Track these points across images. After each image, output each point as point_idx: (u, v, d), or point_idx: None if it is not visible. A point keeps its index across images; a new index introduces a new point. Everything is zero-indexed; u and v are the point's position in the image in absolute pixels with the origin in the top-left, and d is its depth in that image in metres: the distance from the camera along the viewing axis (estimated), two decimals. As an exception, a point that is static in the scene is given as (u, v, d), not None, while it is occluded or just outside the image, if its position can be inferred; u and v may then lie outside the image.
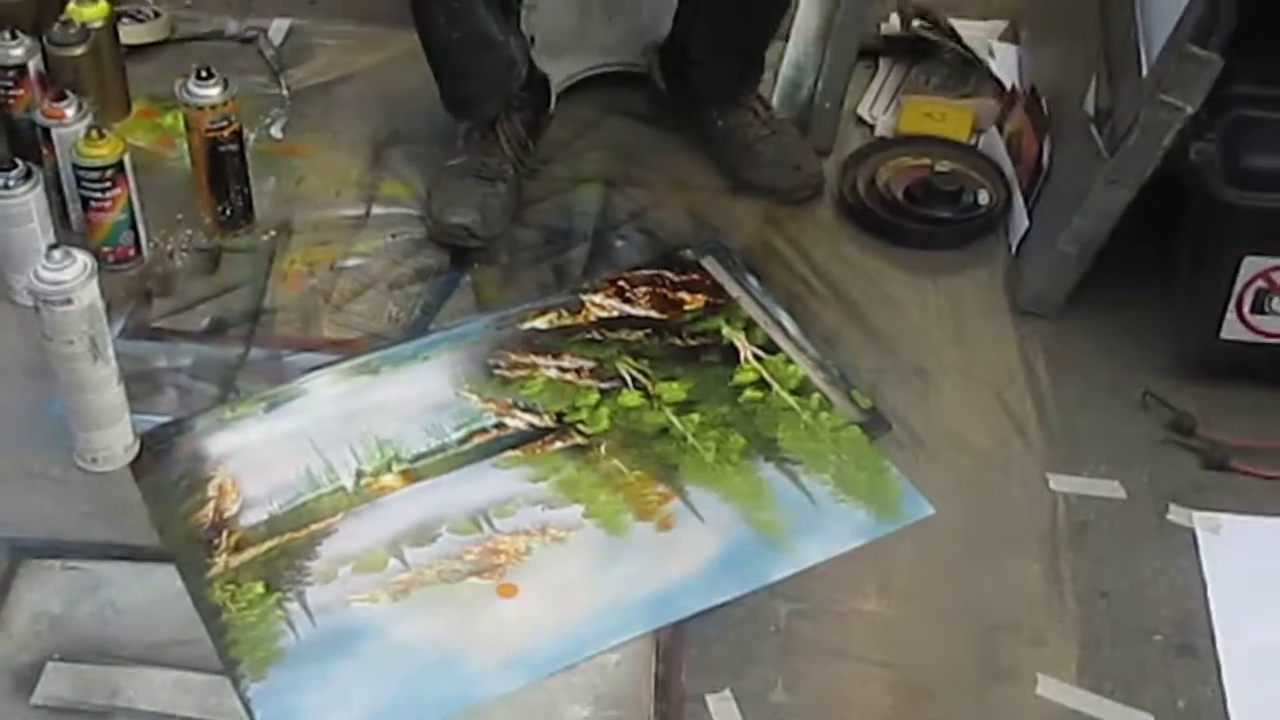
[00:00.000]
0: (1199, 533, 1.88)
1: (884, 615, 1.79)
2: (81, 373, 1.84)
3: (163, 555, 1.82)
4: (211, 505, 1.89)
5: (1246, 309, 2.01)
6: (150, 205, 2.23)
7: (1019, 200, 2.30)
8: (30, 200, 2.05)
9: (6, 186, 2.03)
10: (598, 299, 2.19)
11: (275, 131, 2.49)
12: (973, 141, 2.48)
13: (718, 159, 2.42)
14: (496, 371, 2.08)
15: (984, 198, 2.34)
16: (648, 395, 2.05)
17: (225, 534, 1.86)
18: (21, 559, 1.81)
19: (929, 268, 2.27)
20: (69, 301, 1.78)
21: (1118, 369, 2.11)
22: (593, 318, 2.17)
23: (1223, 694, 1.70)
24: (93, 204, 2.16)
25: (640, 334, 2.14)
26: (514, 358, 2.10)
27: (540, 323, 2.16)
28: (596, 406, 2.03)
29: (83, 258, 1.81)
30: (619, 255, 2.28)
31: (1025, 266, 2.22)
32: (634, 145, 2.48)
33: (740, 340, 2.13)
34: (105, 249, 2.18)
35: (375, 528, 1.88)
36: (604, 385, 2.06)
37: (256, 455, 1.96)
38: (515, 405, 2.03)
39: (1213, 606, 1.80)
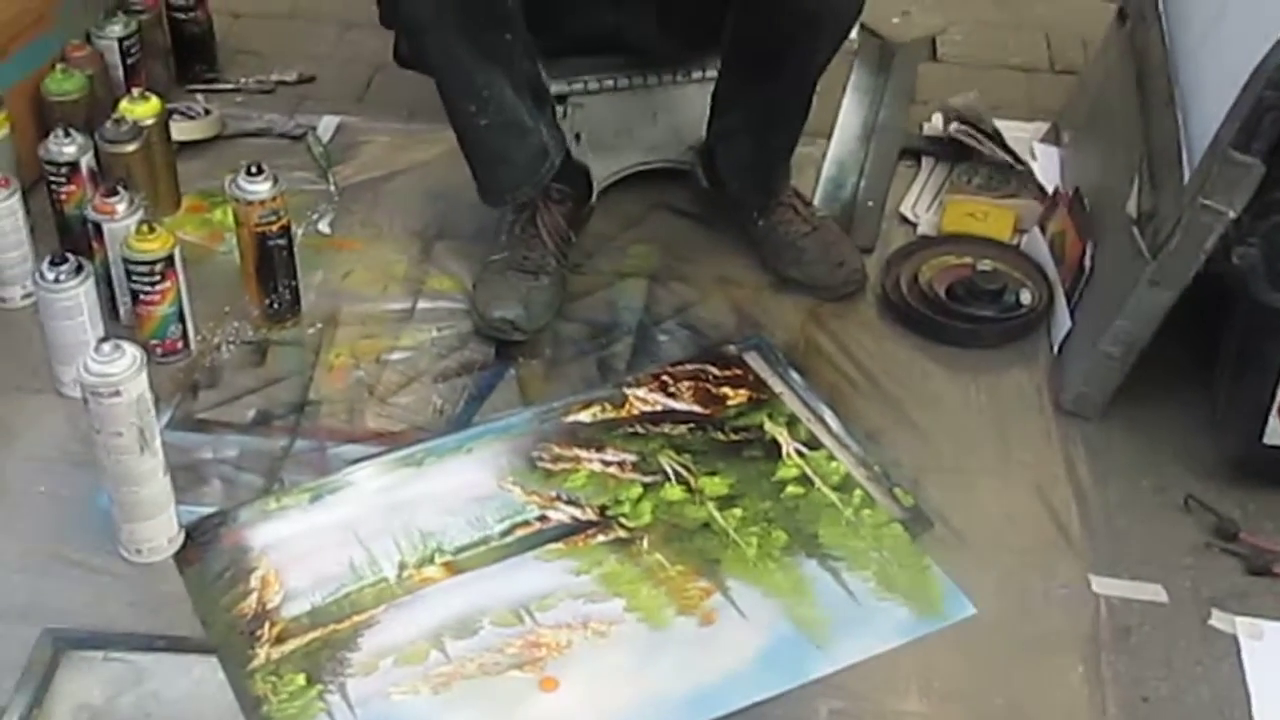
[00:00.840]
0: (1241, 639, 1.87)
1: (925, 715, 1.78)
2: (129, 464, 1.86)
3: (205, 647, 1.82)
4: (254, 597, 1.90)
5: (1291, 412, 2.01)
6: (198, 299, 2.26)
7: (1061, 300, 2.31)
8: (80, 294, 2.08)
9: (58, 280, 2.06)
10: (641, 393, 2.20)
11: (323, 227, 2.52)
12: (1015, 241, 2.49)
13: (760, 256, 2.44)
14: (540, 464, 2.09)
15: (1026, 297, 2.34)
16: (690, 490, 2.05)
17: (268, 625, 1.87)
18: (64, 650, 1.81)
19: (971, 366, 2.27)
20: (118, 394, 1.80)
21: (1160, 471, 2.10)
22: (635, 411, 2.18)
23: (1267, 804, 1.69)
24: (142, 297, 2.19)
25: (683, 428, 2.15)
26: (557, 450, 2.11)
27: (584, 416, 2.17)
28: (639, 500, 2.03)
29: (132, 350, 1.82)
30: (663, 350, 2.29)
31: (1067, 367, 2.22)
32: (678, 240, 2.50)
33: (783, 436, 2.13)
34: (153, 342, 2.20)
35: (417, 619, 1.88)
36: (646, 479, 2.07)
37: (299, 546, 1.97)
38: (558, 498, 2.04)
39: (1255, 714, 1.78)
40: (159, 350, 2.21)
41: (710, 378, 2.23)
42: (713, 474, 2.07)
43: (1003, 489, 2.07)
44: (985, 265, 2.38)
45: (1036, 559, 1.97)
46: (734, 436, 2.14)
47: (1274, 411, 2.00)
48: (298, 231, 2.37)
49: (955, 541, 1.99)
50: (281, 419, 2.16)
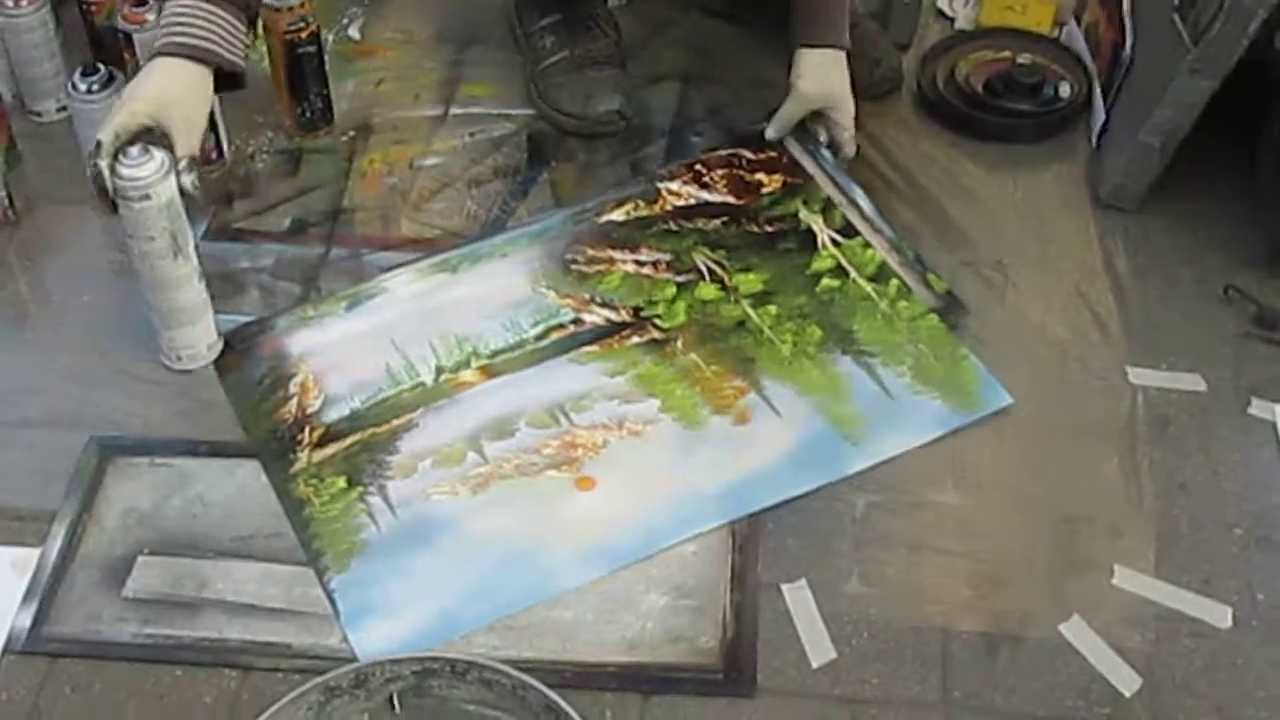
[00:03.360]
0: (1280, 426, 1.88)
1: (961, 507, 1.79)
2: (163, 270, 1.87)
3: (247, 451, 1.85)
4: (294, 402, 1.92)
5: (1332, 200, 1.99)
6: (231, 109, 2.24)
7: (1099, 92, 2.27)
8: (112, 103, 2.07)
9: (90, 91, 2.06)
10: (674, 186, 2.19)
11: (353, 33, 2.50)
12: (1055, 34, 2.44)
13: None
14: (574, 267, 2.09)
15: (1065, 90, 2.31)
16: (724, 287, 2.04)
17: (308, 429, 1.89)
18: (110, 456, 1.84)
19: (1009, 162, 2.25)
20: (148, 198, 1.80)
21: (1200, 262, 2.09)
22: (669, 207, 2.16)
23: (1303, 587, 1.70)
24: (174, 107, 2.17)
25: (717, 222, 2.13)
26: (591, 252, 2.10)
27: (617, 215, 2.16)
28: (673, 300, 2.03)
29: (160, 154, 1.81)
30: (697, 151, 2.27)
31: (1106, 159, 2.20)
32: (711, 42, 2.47)
33: (818, 224, 2.12)
34: (188, 152, 2.20)
35: (454, 422, 1.90)
36: (680, 278, 2.06)
37: (337, 353, 1.98)
38: (592, 300, 2.04)
39: (1293, 500, 1.79)
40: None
41: (744, 163, 2.22)
42: (747, 270, 2.06)
43: (1040, 283, 2.06)
44: (1024, 59, 2.34)
45: (1073, 352, 1.97)
46: (768, 228, 2.13)
47: (1316, 199, 1.99)
48: (328, 37, 2.35)
49: (992, 336, 1.98)
50: (317, 227, 2.16)
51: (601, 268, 2.08)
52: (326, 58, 2.28)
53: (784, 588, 1.69)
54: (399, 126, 2.31)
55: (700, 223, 2.14)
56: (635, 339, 1.99)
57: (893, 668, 1.63)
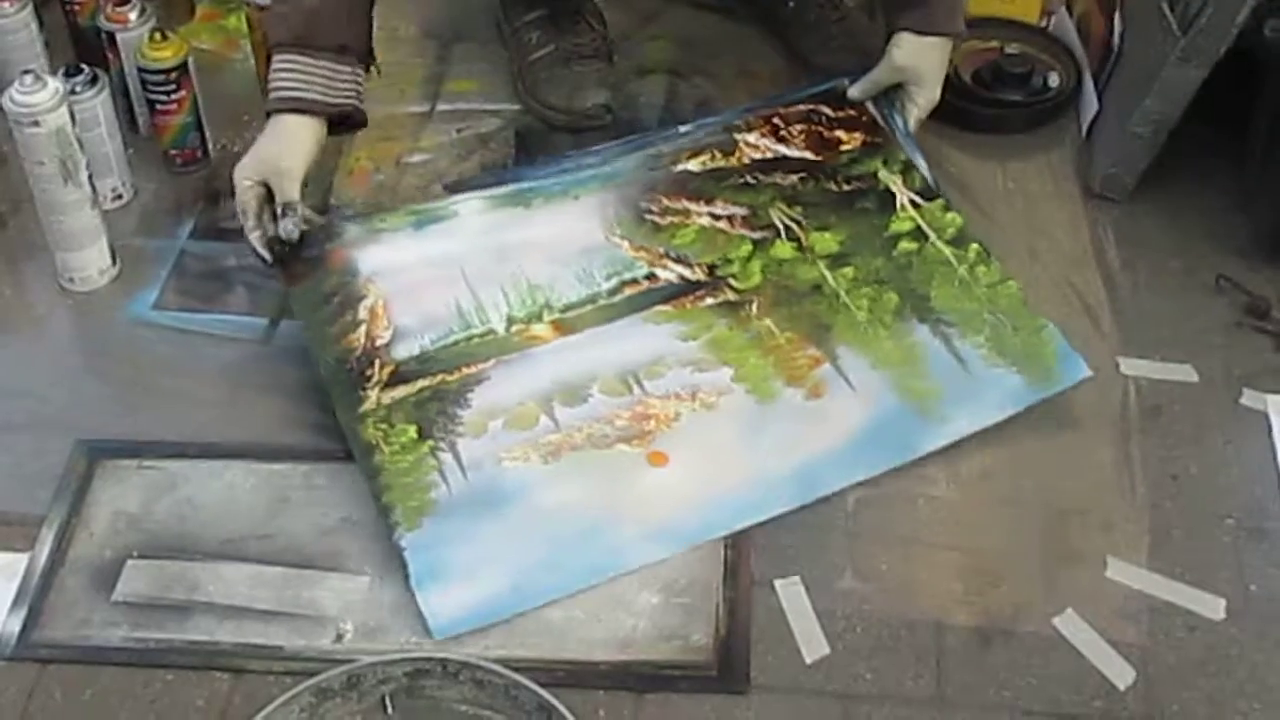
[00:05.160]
0: (1272, 416, 1.86)
1: (953, 500, 1.78)
2: (53, 194, 1.94)
3: (235, 453, 1.84)
4: (363, 330, 1.90)
5: (1322, 188, 1.98)
6: (216, 107, 2.24)
7: (1089, 82, 2.27)
8: (97, 105, 2.06)
9: (73, 92, 2.04)
10: (751, 138, 2.15)
11: (338, 29, 2.48)
12: (1043, 23, 2.44)
13: (786, 42, 2.41)
14: (648, 217, 2.05)
15: (1054, 80, 2.31)
16: (801, 247, 2.00)
17: (378, 365, 1.87)
18: (99, 459, 1.83)
19: (998, 152, 2.25)
20: (37, 124, 1.88)
21: (1190, 252, 2.08)
22: (746, 159, 2.12)
23: (1295, 577, 1.69)
24: (158, 107, 2.17)
25: (795, 177, 2.09)
26: (666, 202, 2.07)
27: (692, 165, 2.12)
28: (749, 259, 1.99)
29: (54, 84, 1.90)
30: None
31: (1096, 149, 2.19)
32: (698, 35, 2.46)
33: (897, 184, 2.07)
34: (173, 151, 2.20)
35: (526, 380, 1.87)
36: (756, 235, 2.02)
37: (407, 277, 1.96)
38: (667, 255, 2.01)
39: (1286, 490, 1.78)
40: (179, 159, 2.21)
41: (824, 119, 2.17)
42: (824, 229, 2.02)
43: (1030, 274, 2.05)
44: (1012, 49, 2.34)
45: (1065, 343, 1.96)
46: (846, 186, 2.08)
47: (1306, 187, 1.98)
48: (312, 35, 2.34)
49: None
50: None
51: (676, 219, 2.04)
52: (312, 55, 2.27)
53: (777, 584, 1.69)
54: (385, 123, 2.29)
55: (778, 177, 2.09)
56: (710, 300, 1.96)
57: (886, 663, 1.62)
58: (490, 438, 1.81)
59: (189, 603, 1.68)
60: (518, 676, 1.50)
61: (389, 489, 1.75)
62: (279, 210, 1.92)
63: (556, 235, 2.03)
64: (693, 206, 2.06)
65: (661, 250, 2.02)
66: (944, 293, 1.95)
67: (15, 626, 1.65)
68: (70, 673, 1.61)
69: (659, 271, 1.99)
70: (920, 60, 2.12)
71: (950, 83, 2.28)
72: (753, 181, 2.09)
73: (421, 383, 1.86)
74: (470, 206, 2.06)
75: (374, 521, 1.75)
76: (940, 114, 2.26)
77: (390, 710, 1.54)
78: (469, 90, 2.37)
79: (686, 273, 1.99)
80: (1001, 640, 1.64)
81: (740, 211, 2.06)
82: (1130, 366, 1.93)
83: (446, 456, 1.79)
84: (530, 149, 2.26)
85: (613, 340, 1.92)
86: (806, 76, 2.34)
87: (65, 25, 2.34)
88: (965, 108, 2.28)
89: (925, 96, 2.14)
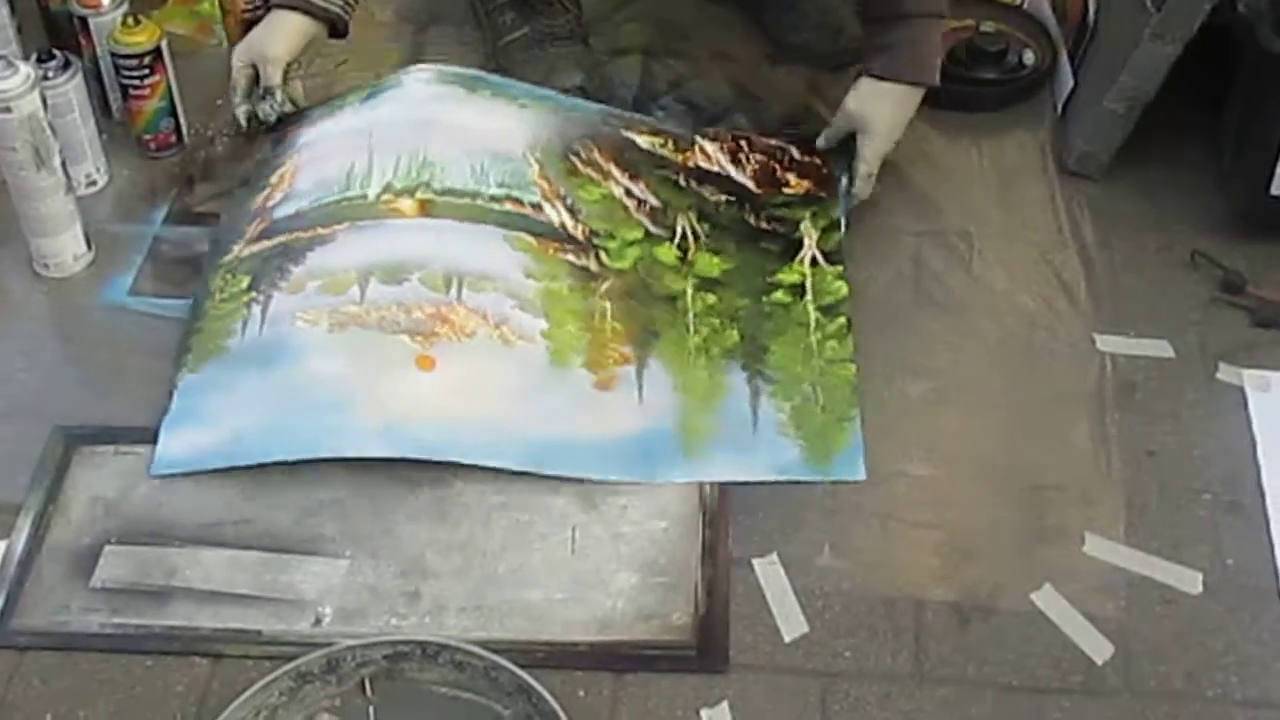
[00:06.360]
0: (1248, 391, 1.87)
1: (931, 478, 1.78)
2: (27, 180, 1.95)
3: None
4: (264, 194, 2.00)
5: (1297, 163, 1.99)
6: (190, 92, 2.23)
7: (1065, 60, 2.27)
8: (70, 90, 2.06)
9: (46, 77, 2.03)
10: (710, 148, 2.13)
11: (313, 13, 2.48)
12: (1018, 1, 2.44)
13: (759, 21, 2.41)
14: (571, 157, 2.06)
15: (1029, 58, 2.31)
16: (684, 259, 1.99)
17: (257, 222, 1.96)
18: (76, 446, 1.82)
19: (973, 130, 2.25)
20: (9, 110, 1.88)
21: (1165, 229, 2.09)
22: (691, 163, 2.11)
23: (1272, 551, 1.69)
24: (132, 92, 2.16)
25: (722, 197, 2.07)
26: (596, 155, 2.07)
27: (642, 140, 2.12)
28: (631, 245, 1.98)
29: (26, 69, 1.90)
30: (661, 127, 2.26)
31: (1071, 127, 2.20)
32: (672, 16, 2.46)
33: (811, 239, 2.02)
34: (147, 136, 2.19)
35: (364, 248, 1.90)
36: (653, 229, 2.01)
37: (326, 145, 2.05)
38: (562, 198, 2.00)
39: (1262, 464, 1.78)
40: (152, 145, 2.20)
41: (786, 159, 2.14)
42: (715, 253, 2.00)
43: (1006, 251, 2.05)
44: (987, 27, 2.34)
45: (1040, 320, 1.97)
46: (763, 225, 2.05)
47: (1280, 162, 1.99)
48: (288, 19, 2.33)
49: (957, 305, 1.98)
50: (278, 210, 2.14)
51: (594, 175, 2.04)
52: (286, 38, 2.26)
53: (755, 562, 1.69)
54: (360, 107, 2.30)
55: (707, 190, 2.08)
56: (571, 257, 1.95)
57: (865, 640, 1.62)
58: (303, 297, 1.85)
59: (167, 588, 1.67)
60: (497, 658, 1.50)
61: (200, 332, 1.83)
62: (261, 93, 2.13)
63: (480, 128, 2.05)
64: (616, 172, 2.06)
65: (562, 191, 2.01)
66: (783, 352, 1.89)
67: (-7, 614, 1.65)
68: (49, 659, 1.61)
69: (546, 206, 1.98)
70: (872, 108, 2.06)
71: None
72: (682, 184, 2.08)
73: (280, 238, 1.91)
74: (420, 76, 2.12)
75: (353, 504, 1.74)
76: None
77: (369, 693, 1.54)
78: (444, 73, 2.36)
79: (569, 223, 1.98)
80: (980, 616, 1.64)
81: (653, 201, 2.05)
82: (1106, 343, 1.93)
83: (256, 309, 1.85)
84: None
85: (463, 238, 1.92)
86: (780, 56, 2.34)
87: (38, 10, 2.32)
88: (941, 86, 2.27)
89: (872, 149, 2.07)
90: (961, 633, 1.63)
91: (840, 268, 1.99)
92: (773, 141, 2.17)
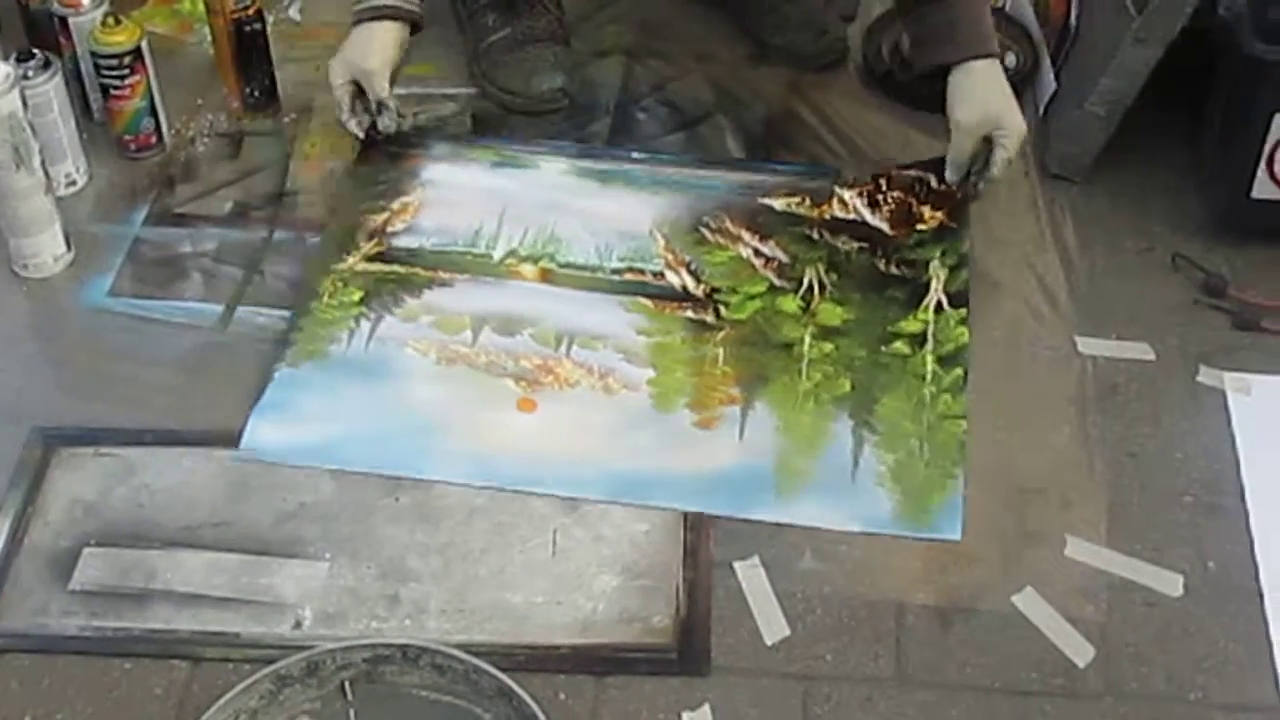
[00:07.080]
0: (1229, 394, 1.87)
1: (912, 482, 1.79)
2: (7, 180, 1.95)
3: (192, 440, 1.82)
4: (384, 216, 2.07)
5: (1278, 167, 1.99)
6: (170, 92, 2.23)
7: (1046, 62, 2.27)
8: (50, 90, 2.05)
9: (25, 77, 2.02)
10: (847, 195, 2.10)
11: (294, 14, 2.49)
12: (1000, 3, 2.44)
13: (741, 23, 2.41)
14: (701, 229, 2.06)
15: (1011, 60, 2.30)
16: (807, 309, 1.95)
17: (373, 242, 2.01)
18: (55, 447, 1.81)
19: (955, 133, 2.24)
20: None
21: (1147, 231, 2.09)
22: (827, 215, 2.08)
23: (1253, 553, 1.70)
24: (112, 92, 2.15)
25: (855, 245, 2.04)
26: (728, 224, 2.07)
27: (778, 203, 2.10)
28: (753, 298, 1.97)
29: (5, 68, 1.90)
30: (642, 128, 2.26)
31: (1053, 129, 2.20)
32: (654, 17, 2.47)
33: (939, 280, 1.98)
34: (127, 137, 2.18)
35: (481, 300, 1.96)
36: (779, 282, 1.99)
37: (455, 195, 2.11)
38: (687, 264, 2.01)
39: (1243, 467, 1.79)
40: (133, 145, 2.19)
41: (924, 190, 2.10)
42: (840, 304, 1.96)
43: (987, 255, 2.05)
44: (969, 29, 2.34)
45: (1022, 324, 1.97)
46: (894, 270, 2.00)
47: (1261, 165, 1.99)
48: (269, 19, 2.32)
49: (940, 308, 1.98)
50: (259, 210, 2.13)
51: (723, 241, 2.05)
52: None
53: (737, 565, 1.68)
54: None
55: (841, 240, 2.05)
56: (688, 313, 1.95)
57: (846, 643, 1.62)
58: (415, 326, 1.92)
59: (147, 591, 1.67)
60: (478, 661, 1.50)
61: (301, 330, 1.89)
62: (374, 107, 2.16)
63: (609, 212, 2.08)
64: (746, 236, 2.06)
65: (687, 259, 2.02)
66: (894, 405, 1.84)
67: (-29, 617, 1.64)
68: (27, 662, 1.60)
69: (669, 273, 2.00)
70: (985, 104, 2.03)
71: (907, 64, 2.29)
72: (815, 237, 2.05)
73: (397, 268, 1.98)
74: (554, 165, 2.15)
75: (333, 507, 1.74)
76: (896, 94, 2.28)
77: (350, 696, 1.53)
78: (425, 74, 2.35)
79: (690, 284, 1.99)
80: (962, 619, 1.64)
81: (782, 257, 2.02)
82: (1088, 345, 1.93)
83: (365, 325, 1.91)
84: (487, 133, 2.25)
85: (578, 306, 1.96)
86: (762, 57, 2.34)
87: (17, 9, 2.31)
88: (922, 88, 2.27)
89: (1011, 134, 2.03)
90: (943, 635, 1.63)
91: (964, 311, 1.95)
92: (912, 172, 2.13)
